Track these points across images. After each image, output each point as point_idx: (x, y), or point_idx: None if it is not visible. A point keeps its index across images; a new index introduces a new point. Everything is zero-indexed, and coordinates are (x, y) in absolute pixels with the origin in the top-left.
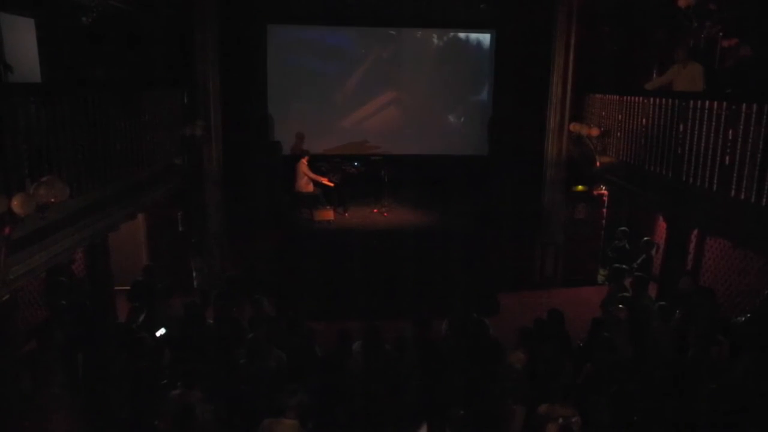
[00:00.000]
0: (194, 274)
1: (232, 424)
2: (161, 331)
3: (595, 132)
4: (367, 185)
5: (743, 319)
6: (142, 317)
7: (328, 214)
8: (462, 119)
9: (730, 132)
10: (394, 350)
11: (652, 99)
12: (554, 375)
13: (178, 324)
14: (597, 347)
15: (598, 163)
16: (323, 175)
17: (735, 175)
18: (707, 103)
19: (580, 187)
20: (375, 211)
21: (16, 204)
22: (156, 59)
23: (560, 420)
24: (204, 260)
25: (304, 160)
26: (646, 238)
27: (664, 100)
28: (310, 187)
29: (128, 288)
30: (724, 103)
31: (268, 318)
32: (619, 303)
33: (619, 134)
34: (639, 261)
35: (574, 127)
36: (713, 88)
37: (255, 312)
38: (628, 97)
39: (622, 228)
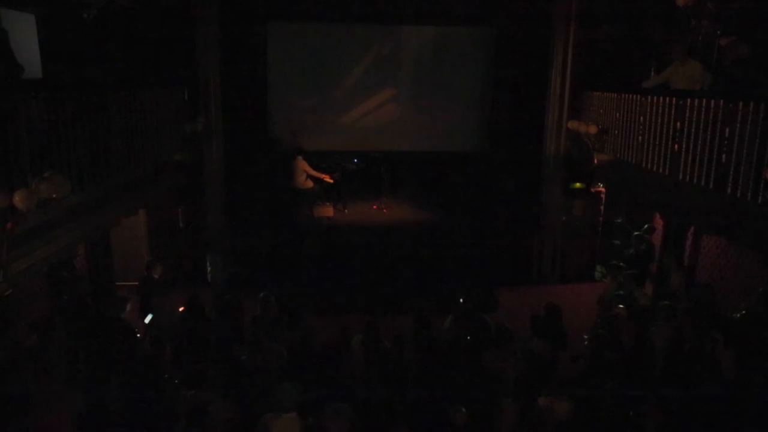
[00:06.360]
0: (209, 268)
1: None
2: (148, 318)
3: (593, 129)
4: (367, 182)
5: (738, 315)
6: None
7: (328, 211)
8: (461, 116)
9: (727, 130)
10: (393, 346)
11: (649, 97)
12: (552, 369)
13: (177, 319)
14: (594, 342)
15: (596, 161)
16: (323, 171)
17: (731, 172)
18: (704, 101)
19: (578, 185)
20: (374, 207)
21: (18, 199)
22: (157, 56)
23: (558, 415)
24: (218, 254)
25: (301, 158)
26: (636, 233)
27: (661, 98)
28: (309, 184)
29: (127, 283)
30: (721, 102)
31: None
32: (616, 299)
33: (616, 132)
34: (628, 255)
35: (573, 124)
36: (711, 86)
37: (262, 310)
38: (626, 95)
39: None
